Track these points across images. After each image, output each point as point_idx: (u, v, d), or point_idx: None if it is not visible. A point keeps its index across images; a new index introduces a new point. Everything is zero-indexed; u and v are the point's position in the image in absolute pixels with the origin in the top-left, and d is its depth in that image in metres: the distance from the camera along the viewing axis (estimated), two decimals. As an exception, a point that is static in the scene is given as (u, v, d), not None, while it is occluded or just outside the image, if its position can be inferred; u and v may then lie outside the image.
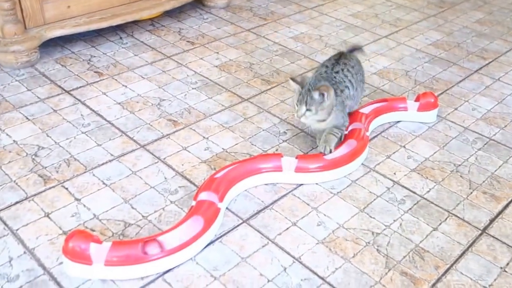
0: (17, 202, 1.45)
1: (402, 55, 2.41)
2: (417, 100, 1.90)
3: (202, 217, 1.33)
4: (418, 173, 1.65)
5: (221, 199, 1.41)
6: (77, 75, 2.08)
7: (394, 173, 1.64)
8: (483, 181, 1.63)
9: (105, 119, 1.81)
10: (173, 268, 1.28)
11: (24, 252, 1.30)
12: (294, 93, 1.61)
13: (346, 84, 1.69)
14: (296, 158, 1.58)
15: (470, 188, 1.60)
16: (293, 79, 1.59)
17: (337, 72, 1.69)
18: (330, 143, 1.61)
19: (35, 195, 1.48)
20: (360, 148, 1.65)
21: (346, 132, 1.70)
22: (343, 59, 1.74)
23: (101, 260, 1.21)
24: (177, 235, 1.29)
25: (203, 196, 1.40)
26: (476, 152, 1.77)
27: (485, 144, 1.81)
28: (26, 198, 1.46)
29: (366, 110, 1.82)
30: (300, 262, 1.32)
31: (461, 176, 1.65)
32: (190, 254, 1.30)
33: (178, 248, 1.27)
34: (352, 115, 1.78)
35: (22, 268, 1.26)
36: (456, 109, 2.01)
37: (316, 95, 1.54)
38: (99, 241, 1.24)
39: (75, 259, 1.21)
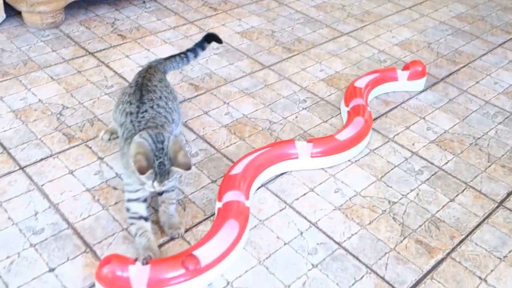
0: (42, 159, 1.49)
1: (425, 26, 2.39)
2: (405, 69, 1.88)
3: (236, 220, 1.25)
4: (437, 145, 1.65)
5: (246, 196, 1.35)
6: (101, 37, 2.10)
7: (413, 144, 1.64)
8: (502, 155, 1.63)
9: (128, 82, 1.83)
10: (192, 227, 1.31)
11: (49, 207, 1.34)
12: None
13: (163, 120, 1.33)
14: (309, 142, 1.52)
15: (488, 161, 1.60)
16: (142, 169, 1.14)
17: (145, 112, 1.31)
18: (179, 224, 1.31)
19: (59, 152, 1.51)
20: (368, 125, 1.62)
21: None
22: (147, 95, 1.35)
23: (143, 285, 1.11)
24: (216, 244, 1.20)
25: (230, 196, 1.32)
26: (496, 126, 1.76)
27: (505, 118, 1.80)
28: (51, 155, 1.50)
29: (361, 83, 1.78)
30: (317, 227, 1.34)
31: (480, 149, 1.65)
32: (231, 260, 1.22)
33: (220, 257, 1.19)
34: (350, 90, 1.74)
35: (47, 221, 1.30)
36: (477, 82, 1.99)
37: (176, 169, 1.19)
38: (133, 263, 1.14)
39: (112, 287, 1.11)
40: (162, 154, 1.17)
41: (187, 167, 1.17)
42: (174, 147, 1.19)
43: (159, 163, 1.16)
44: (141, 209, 1.25)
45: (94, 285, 1.14)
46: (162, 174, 1.17)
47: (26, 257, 1.21)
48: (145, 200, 1.27)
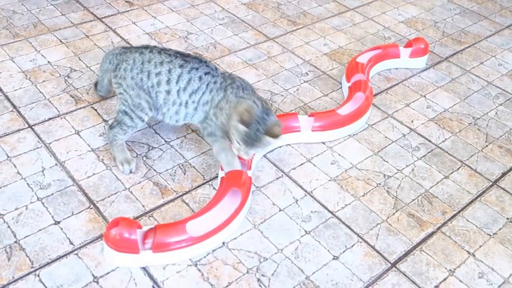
0: (50, 119, 1.53)
1: (432, 5, 2.38)
2: (407, 46, 1.89)
3: (239, 190, 1.28)
4: (436, 123, 1.68)
5: (249, 166, 1.38)
6: (109, 3, 2.12)
7: (412, 121, 1.67)
8: (500, 136, 1.65)
9: (134, 48, 1.86)
10: (191, 190, 1.35)
11: (56, 164, 1.39)
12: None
13: None
14: (310, 116, 1.54)
15: (486, 141, 1.62)
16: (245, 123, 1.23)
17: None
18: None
19: (66, 113, 1.56)
20: (370, 100, 1.64)
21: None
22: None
23: (148, 247, 1.16)
24: (219, 212, 1.24)
25: None
26: (497, 107, 1.78)
27: (507, 100, 1.82)
28: (58, 116, 1.54)
29: (363, 59, 1.79)
30: (312, 196, 1.38)
31: (478, 129, 1.67)
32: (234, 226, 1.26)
33: (223, 224, 1.23)
34: (352, 65, 1.75)
35: (53, 178, 1.35)
36: (482, 63, 2.00)
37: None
38: (140, 227, 1.17)
39: (119, 249, 1.14)
40: (261, 125, 1.23)
41: (276, 135, 1.23)
42: (272, 125, 1.24)
43: (256, 130, 1.22)
44: None
45: (96, 238, 1.20)
46: (252, 138, 1.23)
47: (33, 209, 1.26)
48: None
